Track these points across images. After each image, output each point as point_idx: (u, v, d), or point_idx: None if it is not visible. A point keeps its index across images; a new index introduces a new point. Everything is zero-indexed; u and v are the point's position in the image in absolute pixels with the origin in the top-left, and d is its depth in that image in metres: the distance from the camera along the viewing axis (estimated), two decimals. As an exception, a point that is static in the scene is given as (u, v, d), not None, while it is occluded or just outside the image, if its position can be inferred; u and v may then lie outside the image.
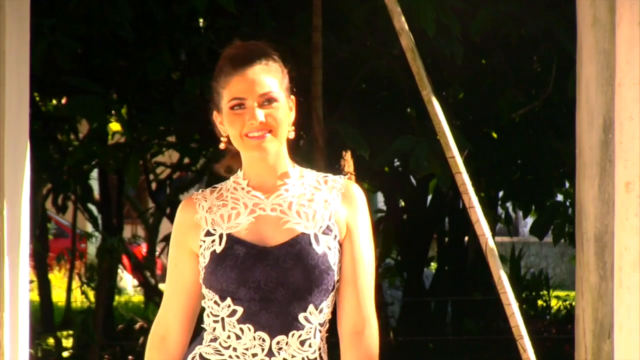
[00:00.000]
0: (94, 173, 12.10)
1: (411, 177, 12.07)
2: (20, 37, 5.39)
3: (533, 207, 10.68)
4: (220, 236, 3.20)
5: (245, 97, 3.18)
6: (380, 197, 14.65)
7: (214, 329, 3.22)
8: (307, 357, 3.19)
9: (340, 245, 3.22)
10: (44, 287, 13.70)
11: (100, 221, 13.49)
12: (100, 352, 10.89)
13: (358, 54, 8.54)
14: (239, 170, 3.31)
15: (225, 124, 3.22)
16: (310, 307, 3.18)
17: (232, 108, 3.19)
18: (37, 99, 10.33)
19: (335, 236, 3.21)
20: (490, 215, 10.68)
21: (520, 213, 13.01)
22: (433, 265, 14.49)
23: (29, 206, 5.48)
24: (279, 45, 3.33)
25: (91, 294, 13.66)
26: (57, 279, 17.62)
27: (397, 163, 11.51)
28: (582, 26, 4.41)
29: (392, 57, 8.32)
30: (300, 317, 3.17)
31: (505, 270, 4.63)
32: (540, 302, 13.76)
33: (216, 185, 3.33)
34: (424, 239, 12.80)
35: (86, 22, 8.25)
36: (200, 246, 3.23)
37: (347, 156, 9.86)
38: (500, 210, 12.49)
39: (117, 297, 15.05)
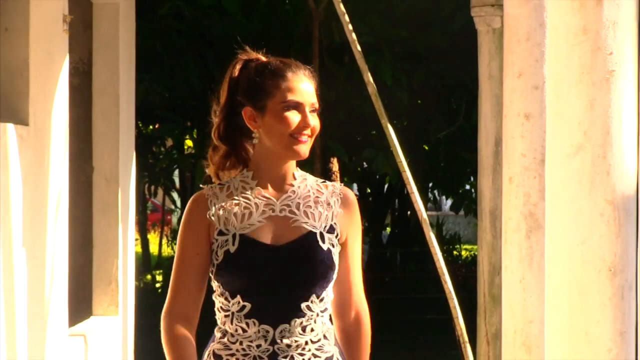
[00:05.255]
0: (176, 172, 12.07)
1: (376, 174, 12.08)
2: (128, 85, 5.38)
3: (451, 194, 10.71)
4: (234, 236, 2.26)
5: (301, 102, 2.30)
6: (355, 187, 14.63)
7: (224, 323, 2.31)
8: (311, 339, 2.29)
9: (340, 245, 2.35)
10: (144, 243, 13.65)
11: (179, 202, 13.45)
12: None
13: (341, 97, 8.52)
14: (245, 170, 2.38)
15: (269, 122, 2.31)
16: (313, 297, 2.28)
17: (286, 108, 2.29)
18: (140, 125, 10.28)
19: (337, 234, 2.33)
20: (423, 198, 10.63)
21: (443, 197, 13.02)
22: (388, 229, 14.47)
23: (134, 192, 5.49)
24: None
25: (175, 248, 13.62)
26: (153, 238, 17.57)
27: (365, 165, 11.50)
28: (482, 79, 4.39)
29: (362, 98, 8.30)
30: (303, 306, 2.28)
31: (433, 232, 4.63)
32: (455, 252, 13.75)
33: (222, 183, 2.38)
34: (382, 213, 12.83)
35: (170, 76, 8.25)
36: (213, 243, 2.28)
37: (334, 161, 9.82)
38: (430, 195, 12.46)
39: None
